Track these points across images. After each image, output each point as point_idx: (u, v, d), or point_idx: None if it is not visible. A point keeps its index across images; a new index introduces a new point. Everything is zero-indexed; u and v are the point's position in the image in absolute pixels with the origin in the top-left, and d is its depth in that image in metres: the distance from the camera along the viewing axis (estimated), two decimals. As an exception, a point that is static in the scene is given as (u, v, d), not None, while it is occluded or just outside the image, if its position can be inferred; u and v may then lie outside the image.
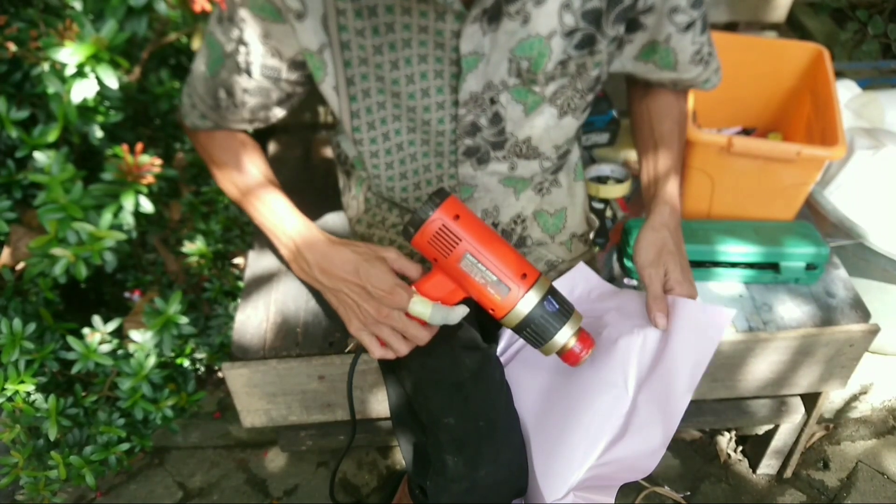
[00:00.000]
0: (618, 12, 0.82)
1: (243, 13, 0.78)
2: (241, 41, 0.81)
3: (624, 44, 0.90)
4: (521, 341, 0.97)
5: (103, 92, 0.95)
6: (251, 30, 0.79)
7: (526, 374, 0.93)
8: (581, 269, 1.01)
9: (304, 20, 0.77)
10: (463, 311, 0.80)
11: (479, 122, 0.89)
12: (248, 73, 0.84)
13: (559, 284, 0.94)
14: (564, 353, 0.80)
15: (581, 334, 0.80)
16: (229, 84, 0.86)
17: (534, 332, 0.79)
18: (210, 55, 0.85)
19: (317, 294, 1.26)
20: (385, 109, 0.87)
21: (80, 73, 0.90)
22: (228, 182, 0.93)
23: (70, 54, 0.88)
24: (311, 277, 0.83)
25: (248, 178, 0.91)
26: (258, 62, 0.82)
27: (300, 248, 0.83)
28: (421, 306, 0.79)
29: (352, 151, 1.03)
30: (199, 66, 0.88)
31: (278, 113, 0.93)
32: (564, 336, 0.78)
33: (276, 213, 0.87)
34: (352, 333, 0.81)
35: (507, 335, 0.97)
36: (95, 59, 0.90)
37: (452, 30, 0.78)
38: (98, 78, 0.91)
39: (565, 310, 0.79)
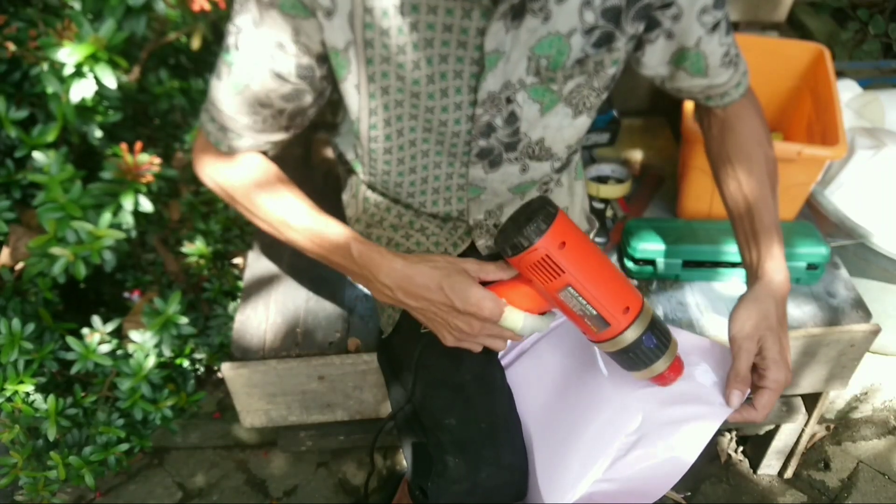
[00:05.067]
0: (637, 9, 0.82)
1: (274, 15, 0.76)
2: (275, 46, 0.79)
3: (644, 44, 0.88)
4: (524, 344, 0.97)
5: (102, 91, 0.95)
6: (283, 31, 0.78)
7: (530, 376, 0.93)
8: None
9: (332, 18, 0.77)
10: (553, 320, 0.78)
11: (494, 123, 0.88)
12: (284, 78, 0.81)
13: None
14: (655, 377, 0.80)
15: (675, 361, 0.80)
16: (264, 94, 0.83)
17: (630, 361, 0.78)
18: (233, 72, 0.82)
19: (317, 294, 1.25)
20: (402, 108, 0.86)
21: (78, 73, 0.90)
22: (272, 219, 0.86)
23: (68, 54, 0.88)
24: (395, 300, 0.81)
25: (295, 210, 0.86)
26: (293, 63, 0.81)
27: (375, 274, 0.80)
28: (511, 320, 0.76)
29: (351, 154, 1.03)
30: (223, 88, 0.83)
31: (311, 114, 0.90)
32: (660, 367, 0.79)
33: (339, 242, 0.83)
34: (448, 346, 0.81)
35: None
36: (94, 58, 0.89)
37: (478, 27, 0.78)
38: (97, 77, 0.91)
39: (664, 342, 0.78)
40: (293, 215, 0.85)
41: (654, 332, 0.77)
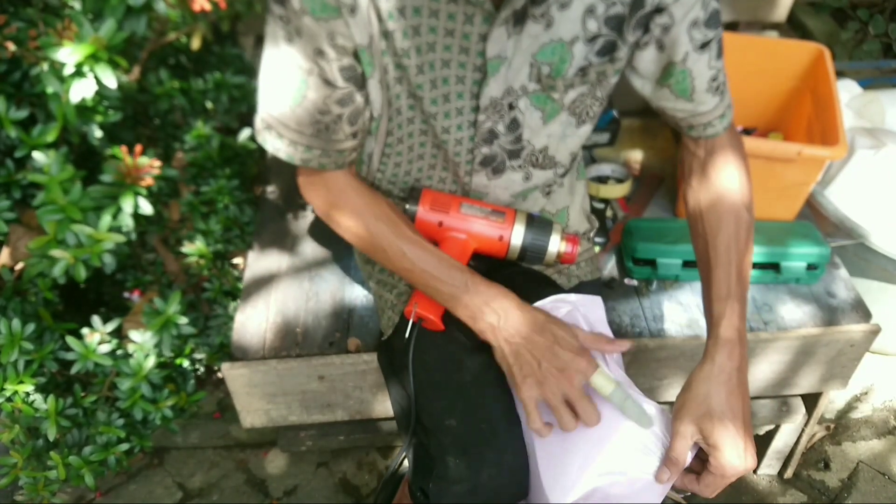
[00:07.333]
0: (639, 18, 0.81)
1: (307, 22, 0.76)
2: (316, 53, 0.78)
3: (634, 50, 0.86)
4: None
5: (102, 92, 0.95)
6: (319, 38, 0.77)
7: None
8: (596, 301, 0.97)
9: (355, 14, 0.77)
10: (650, 409, 0.78)
11: (496, 129, 0.88)
12: (333, 83, 0.81)
13: (573, 298, 0.94)
14: (562, 259, 0.95)
15: (567, 237, 0.95)
16: (320, 103, 0.82)
17: (533, 253, 0.94)
18: (287, 84, 0.81)
19: (317, 295, 1.25)
20: (414, 110, 0.87)
21: (78, 73, 0.90)
22: (389, 248, 0.89)
23: (69, 54, 0.88)
24: (494, 330, 0.83)
25: (413, 243, 0.89)
26: (336, 67, 0.80)
27: (488, 302, 0.84)
28: (604, 379, 0.77)
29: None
30: (280, 103, 0.83)
31: (368, 115, 0.89)
32: (555, 244, 0.94)
33: (453, 264, 0.88)
34: (521, 398, 0.80)
35: None
36: (94, 58, 0.89)
37: (480, 32, 0.78)
38: (97, 77, 0.91)
39: (546, 224, 0.94)
40: (409, 230, 0.89)
41: (533, 221, 0.94)
